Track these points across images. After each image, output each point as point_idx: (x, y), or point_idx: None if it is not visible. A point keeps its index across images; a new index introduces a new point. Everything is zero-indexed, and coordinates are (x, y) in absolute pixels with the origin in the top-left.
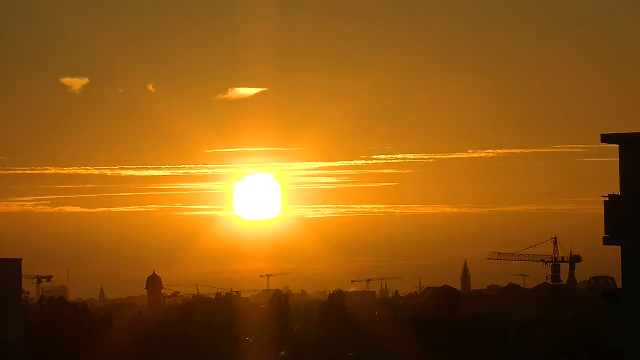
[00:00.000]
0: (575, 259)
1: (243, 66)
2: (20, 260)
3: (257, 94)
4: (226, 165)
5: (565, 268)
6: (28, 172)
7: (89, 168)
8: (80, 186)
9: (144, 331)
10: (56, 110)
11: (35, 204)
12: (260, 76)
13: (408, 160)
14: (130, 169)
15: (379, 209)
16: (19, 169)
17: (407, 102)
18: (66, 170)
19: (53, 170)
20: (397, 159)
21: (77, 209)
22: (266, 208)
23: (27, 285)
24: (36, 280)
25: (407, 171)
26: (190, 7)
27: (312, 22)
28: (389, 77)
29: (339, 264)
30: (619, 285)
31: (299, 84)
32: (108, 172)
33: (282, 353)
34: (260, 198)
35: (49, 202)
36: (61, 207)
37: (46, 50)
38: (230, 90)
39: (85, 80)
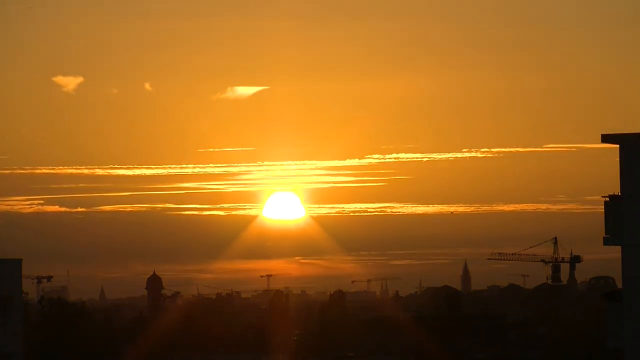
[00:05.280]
0: (575, 259)
1: (242, 65)
2: (20, 260)
3: (255, 93)
4: (220, 165)
5: (565, 268)
6: (18, 171)
7: (80, 167)
8: (73, 186)
9: (144, 332)
10: (49, 109)
11: (29, 204)
12: (259, 75)
13: (402, 160)
14: (121, 168)
15: (374, 208)
16: (9, 168)
17: (402, 101)
18: (57, 170)
19: (44, 170)
20: (391, 158)
21: (70, 209)
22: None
23: (27, 285)
24: (36, 280)
25: (402, 170)
26: (189, 4)
27: (310, 23)
28: (383, 77)
29: (338, 263)
30: (619, 285)
31: (296, 84)
32: (99, 171)
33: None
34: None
35: (43, 202)
36: (56, 207)
37: (39, 47)
38: (229, 89)
39: (80, 79)
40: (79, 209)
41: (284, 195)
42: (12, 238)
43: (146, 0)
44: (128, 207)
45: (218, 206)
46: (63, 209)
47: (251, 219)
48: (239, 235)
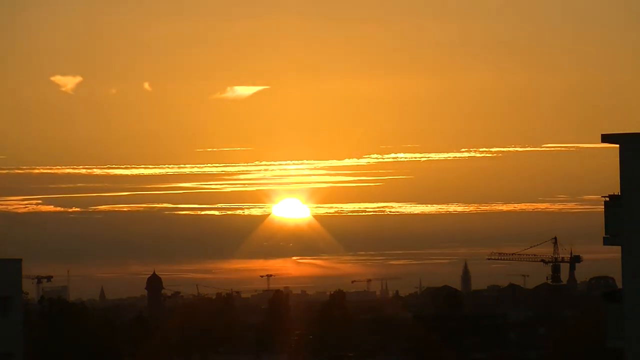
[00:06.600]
0: (575, 259)
1: (242, 65)
2: (20, 260)
3: (255, 93)
4: (218, 165)
5: (565, 268)
6: (15, 171)
7: (78, 167)
8: (71, 185)
9: (144, 332)
10: (47, 109)
11: (26, 204)
12: (259, 75)
13: (400, 160)
14: (119, 167)
15: (372, 208)
16: (7, 168)
17: (400, 101)
18: (54, 170)
19: (41, 170)
20: (389, 158)
21: (67, 209)
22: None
23: (27, 285)
24: (36, 280)
25: (400, 170)
26: (188, 5)
27: (310, 23)
28: (382, 77)
29: (338, 263)
30: (619, 285)
31: (295, 84)
32: (97, 171)
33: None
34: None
35: (40, 202)
36: (51, 207)
37: (37, 47)
38: (229, 88)
39: (78, 79)
40: (76, 209)
41: (283, 195)
42: (10, 238)
43: (146, 0)
44: (126, 207)
45: (216, 206)
46: (58, 208)
47: (252, 219)
48: (239, 235)
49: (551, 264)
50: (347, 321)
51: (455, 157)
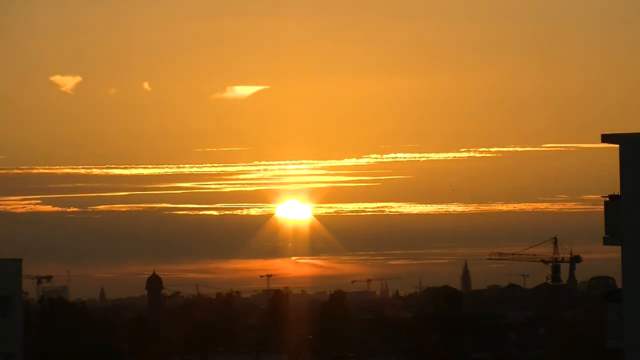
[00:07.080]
0: (575, 259)
1: (242, 65)
2: (20, 260)
3: (255, 93)
4: (217, 165)
5: (565, 268)
6: (14, 170)
7: (77, 167)
8: (70, 185)
9: (144, 332)
10: (46, 109)
11: (24, 204)
12: (259, 75)
13: (400, 160)
14: (118, 167)
15: (371, 208)
16: (6, 168)
17: (400, 101)
18: (53, 170)
19: (40, 170)
20: (389, 158)
21: (66, 209)
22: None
23: (27, 285)
24: (36, 280)
25: (400, 170)
26: (188, 4)
27: (310, 23)
28: (380, 76)
29: (338, 263)
30: (619, 285)
31: (295, 84)
32: (96, 171)
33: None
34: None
35: (40, 201)
36: (49, 207)
37: (36, 46)
38: (229, 88)
39: (78, 79)
40: (74, 209)
41: (282, 195)
42: (9, 238)
43: (146, 0)
44: (125, 207)
45: (215, 206)
46: (56, 208)
47: (252, 218)
48: (239, 235)
49: (551, 264)
50: (347, 321)
51: (455, 157)
